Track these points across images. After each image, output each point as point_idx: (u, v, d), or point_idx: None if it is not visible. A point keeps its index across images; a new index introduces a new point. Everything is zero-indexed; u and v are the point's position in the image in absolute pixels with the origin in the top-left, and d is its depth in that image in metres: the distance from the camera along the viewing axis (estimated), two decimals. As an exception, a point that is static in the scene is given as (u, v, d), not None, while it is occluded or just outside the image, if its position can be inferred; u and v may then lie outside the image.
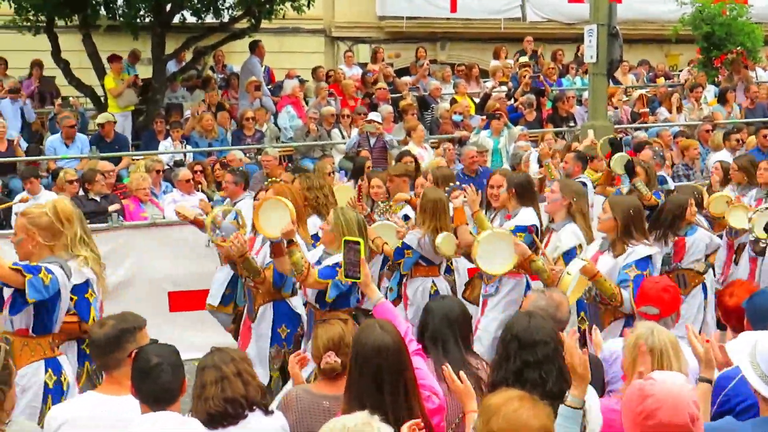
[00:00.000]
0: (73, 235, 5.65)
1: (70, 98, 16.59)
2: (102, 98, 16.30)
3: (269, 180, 8.21)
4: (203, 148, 14.51)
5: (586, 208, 7.72)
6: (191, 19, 16.77)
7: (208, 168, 12.91)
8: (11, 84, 15.56)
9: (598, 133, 11.57)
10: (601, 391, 4.79)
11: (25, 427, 4.11)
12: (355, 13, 23.34)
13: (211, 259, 9.07)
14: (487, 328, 7.67)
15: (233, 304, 8.88)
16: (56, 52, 16.16)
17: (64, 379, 5.49)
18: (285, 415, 4.51)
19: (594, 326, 6.08)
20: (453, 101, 16.76)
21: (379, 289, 8.20)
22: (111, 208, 10.78)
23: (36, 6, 15.49)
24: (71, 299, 5.57)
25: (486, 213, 8.38)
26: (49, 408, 5.24)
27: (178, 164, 13.46)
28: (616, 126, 14.91)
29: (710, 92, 17.92)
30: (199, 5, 16.22)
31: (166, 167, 13.05)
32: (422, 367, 4.58)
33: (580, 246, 7.29)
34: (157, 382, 3.92)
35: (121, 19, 15.97)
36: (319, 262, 6.54)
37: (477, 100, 16.99)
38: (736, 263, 9.72)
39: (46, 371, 5.40)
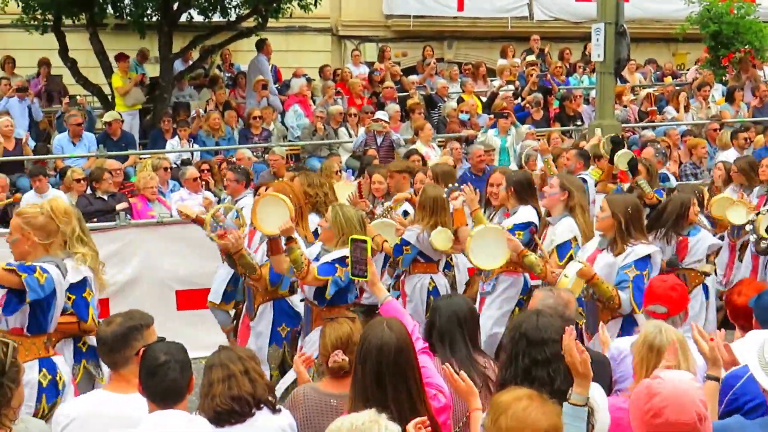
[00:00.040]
0: (71, 233, 5.65)
1: (78, 97, 16.62)
2: (109, 97, 16.34)
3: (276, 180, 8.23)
4: (210, 147, 14.53)
5: (585, 202, 7.69)
6: (198, 17, 16.80)
7: (216, 167, 12.91)
8: (19, 83, 15.60)
9: (605, 132, 11.56)
10: (609, 389, 4.78)
11: (33, 424, 4.12)
12: (362, 11, 23.36)
13: (219, 257, 9.08)
14: (483, 326, 7.64)
15: (234, 302, 8.90)
16: (64, 50, 16.19)
17: (60, 378, 5.48)
18: (292, 413, 4.51)
19: (602, 324, 6.09)
20: (460, 100, 16.76)
21: None
22: (118, 206, 10.79)
23: (43, 5, 15.53)
24: (69, 298, 5.58)
25: (486, 211, 8.40)
26: (44, 407, 5.27)
27: (186, 163, 13.47)
28: (624, 125, 14.89)
29: (718, 91, 17.89)
30: (206, 4, 16.24)
31: (174, 166, 13.07)
32: (429, 365, 4.58)
33: (575, 239, 7.27)
34: (164, 379, 3.92)
35: (129, 17, 16.01)
36: (317, 259, 6.53)
37: (484, 99, 16.97)
38: (741, 260, 9.72)
39: (40, 371, 5.39)
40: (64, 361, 5.64)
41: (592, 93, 16.45)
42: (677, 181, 11.72)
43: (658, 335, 4.41)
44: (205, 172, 12.40)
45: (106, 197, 11.05)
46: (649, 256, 6.50)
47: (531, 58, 19.30)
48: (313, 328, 6.54)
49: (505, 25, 23.72)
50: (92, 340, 5.71)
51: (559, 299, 5.07)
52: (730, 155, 12.09)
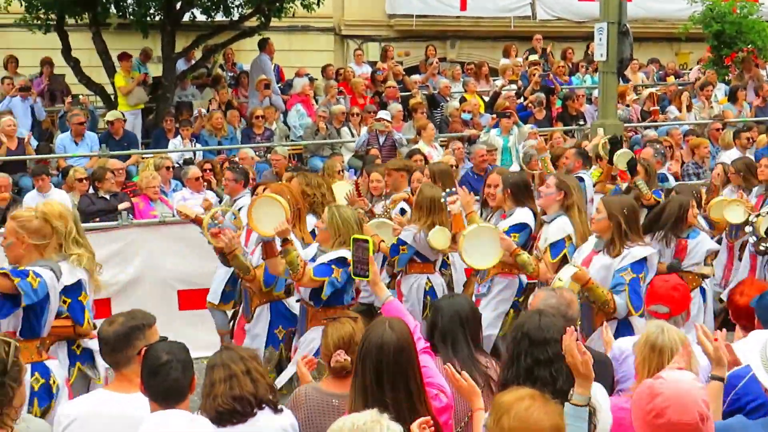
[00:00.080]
0: (66, 235, 5.60)
1: (80, 96, 16.61)
2: (112, 96, 16.34)
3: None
4: (213, 147, 14.53)
5: (582, 202, 7.65)
6: (201, 17, 16.78)
7: (218, 166, 12.92)
8: (22, 82, 15.61)
9: (607, 132, 11.54)
10: (611, 389, 4.78)
11: (34, 424, 4.12)
12: (364, 11, 23.34)
13: (220, 257, 9.10)
14: None
15: (233, 302, 8.89)
16: (66, 50, 16.19)
17: (53, 382, 5.46)
18: (294, 413, 4.52)
19: (606, 324, 6.08)
20: (462, 99, 16.74)
21: None
22: (121, 206, 10.80)
23: (46, 4, 15.52)
24: (65, 302, 5.54)
25: (483, 212, 8.40)
26: (36, 411, 5.26)
27: (188, 162, 13.48)
28: (626, 124, 14.88)
29: (721, 90, 17.87)
30: (209, 3, 16.23)
31: (176, 165, 13.07)
32: (430, 365, 4.58)
33: (569, 238, 7.24)
34: (166, 379, 3.92)
35: (132, 17, 16.00)
36: (313, 260, 6.50)
37: (486, 99, 16.97)
38: (740, 260, 9.70)
39: (33, 375, 5.37)
40: (57, 365, 5.60)
41: (595, 92, 16.44)
42: (679, 180, 11.69)
43: (660, 335, 4.41)
44: (208, 171, 12.42)
45: (108, 197, 11.06)
46: (645, 259, 6.45)
47: (533, 57, 19.29)
48: (309, 328, 6.52)
49: (507, 24, 23.70)
50: (87, 342, 5.68)
51: (562, 299, 5.07)
52: (733, 155, 12.07)
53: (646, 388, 3.51)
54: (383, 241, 8.03)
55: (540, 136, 14.04)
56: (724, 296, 9.29)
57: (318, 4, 16.89)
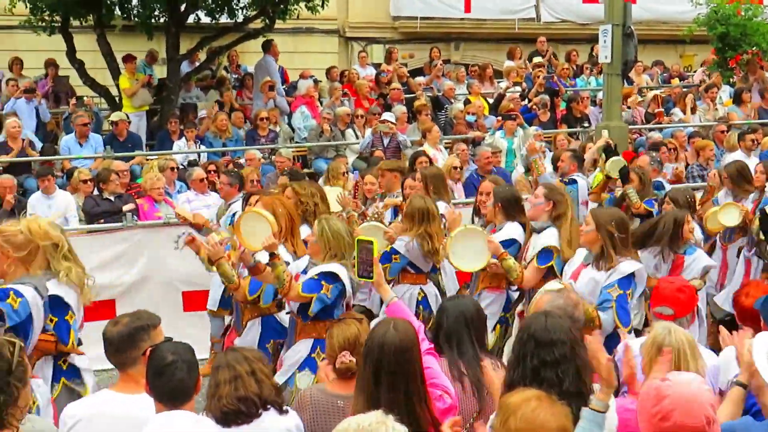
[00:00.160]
0: (53, 249, 5.41)
1: (85, 98, 16.64)
2: (116, 98, 16.36)
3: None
4: (217, 148, 14.54)
5: (571, 211, 7.53)
6: (206, 19, 16.81)
7: (222, 168, 12.92)
8: (26, 84, 15.63)
9: (612, 134, 11.52)
10: (616, 391, 4.76)
11: (39, 424, 4.12)
12: (368, 13, 23.35)
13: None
14: None
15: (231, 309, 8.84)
16: (71, 52, 16.22)
17: (33, 402, 5.28)
18: (299, 414, 4.52)
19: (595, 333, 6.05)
20: (467, 102, 16.75)
21: (369, 292, 8.23)
22: (125, 207, 10.82)
23: (51, 6, 15.55)
24: (51, 320, 5.37)
25: (475, 219, 8.39)
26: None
27: (192, 164, 13.50)
28: (630, 126, 14.86)
29: (725, 93, 17.85)
30: (213, 5, 16.25)
31: (180, 167, 13.08)
32: (434, 366, 4.58)
33: (557, 250, 7.18)
34: (172, 379, 3.92)
35: (136, 19, 16.02)
36: (305, 272, 6.38)
37: (491, 101, 16.96)
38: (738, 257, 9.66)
39: None
40: (41, 384, 5.39)
41: (599, 95, 16.42)
42: (675, 185, 11.61)
43: (667, 336, 4.40)
44: (212, 173, 12.42)
45: (113, 198, 11.07)
46: (633, 274, 6.38)
47: (537, 59, 19.29)
48: (297, 341, 6.38)
49: (512, 26, 23.71)
50: (74, 359, 5.59)
51: (569, 300, 5.05)
52: (738, 157, 12.04)
53: (653, 390, 3.50)
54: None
55: (544, 138, 14.05)
56: (717, 299, 9.29)
57: (322, 6, 16.89)
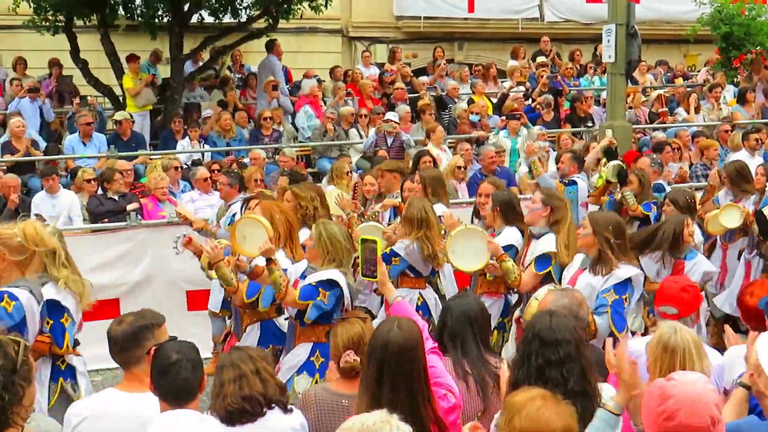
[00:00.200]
0: (49, 256, 5.40)
1: (89, 97, 16.66)
2: (120, 98, 16.38)
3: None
4: (221, 148, 14.55)
5: (569, 216, 7.49)
6: (209, 18, 16.83)
7: (226, 167, 12.93)
8: (30, 83, 15.65)
9: (616, 134, 11.52)
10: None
11: (45, 423, 4.12)
12: (372, 13, 23.37)
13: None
14: None
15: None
16: (75, 51, 16.24)
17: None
18: (304, 413, 4.52)
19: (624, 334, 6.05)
20: (470, 101, 16.75)
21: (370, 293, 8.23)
22: (129, 207, 10.82)
23: (55, 6, 15.56)
24: (47, 323, 5.37)
25: (474, 220, 8.38)
26: None
27: (196, 164, 13.50)
28: (634, 126, 14.85)
29: (729, 92, 17.83)
30: (216, 5, 16.26)
31: (184, 166, 13.09)
32: (438, 365, 4.59)
33: (554, 254, 7.16)
34: (176, 378, 3.92)
35: (140, 18, 16.03)
36: (303, 276, 6.37)
37: (494, 100, 16.96)
38: (738, 259, 9.66)
39: None
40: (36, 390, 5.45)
41: (603, 94, 16.41)
42: (680, 184, 11.61)
43: (673, 335, 4.39)
44: (216, 172, 12.42)
45: (116, 197, 11.08)
46: (629, 279, 6.36)
47: (541, 59, 19.29)
48: (296, 344, 6.37)
49: (515, 26, 23.72)
50: (72, 359, 5.60)
51: (573, 299, 5.06)
52: (742, 156, 12.03)
53: (658, 390, 3.50)
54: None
55: (548, 138, 14.04)
56: (717, 300, 9.28)
57: (326, 6, 16.91)
